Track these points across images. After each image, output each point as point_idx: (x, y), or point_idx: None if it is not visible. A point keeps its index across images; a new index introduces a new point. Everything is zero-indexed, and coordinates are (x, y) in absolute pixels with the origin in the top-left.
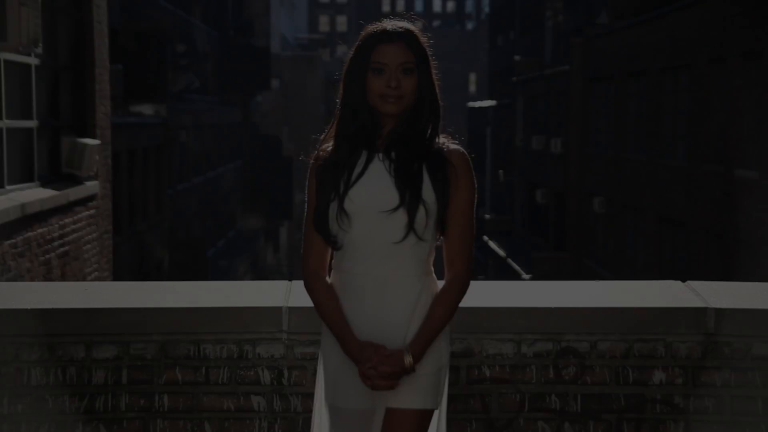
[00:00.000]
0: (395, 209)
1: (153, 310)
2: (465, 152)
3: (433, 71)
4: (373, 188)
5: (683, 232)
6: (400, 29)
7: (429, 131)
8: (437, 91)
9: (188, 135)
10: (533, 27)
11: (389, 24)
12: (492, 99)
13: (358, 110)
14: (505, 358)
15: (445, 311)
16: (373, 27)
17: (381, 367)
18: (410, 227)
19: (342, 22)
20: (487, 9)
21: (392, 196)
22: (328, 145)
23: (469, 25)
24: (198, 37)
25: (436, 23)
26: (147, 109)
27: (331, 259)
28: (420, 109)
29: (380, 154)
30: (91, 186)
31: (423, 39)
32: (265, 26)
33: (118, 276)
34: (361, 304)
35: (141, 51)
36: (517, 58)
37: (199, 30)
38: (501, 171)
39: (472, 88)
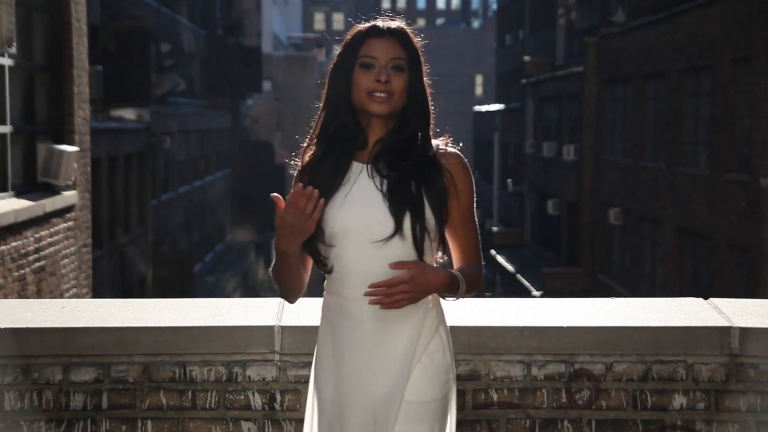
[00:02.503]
0: (390, 238)
1: (135, 329)
2: (460, 154)
3: (425, 75)
4: (365, 211)
5: (705, 245)
6: (392, 25)
7: (420, 138)
8: (428, 95)
9: (173, 141)
10: (544, 25)
11: (380, 20)
12: (500, 102)
13: (339, 108)
14: (514, 381)
15: (474, 272)
16: (362, 25)
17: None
18: (419, 254)
19: (339, 20)
20: (494, 6)
21: (386, 223)
22: (312, 152)
23: (476, 24)
24: (184, 36)
25: (439, 21)
26: (129, 114)
27: (324, 280)
28: (409, 114)
29: (368, 168)
30: (69, 196)
31: (415, 39)
32: (255, 24)
33: (97, 293)
34: (360, 332)
35: (123, 51)
36: (526, 58)
37: (185, 28)
38: (509, 180)
39: (479, 90)
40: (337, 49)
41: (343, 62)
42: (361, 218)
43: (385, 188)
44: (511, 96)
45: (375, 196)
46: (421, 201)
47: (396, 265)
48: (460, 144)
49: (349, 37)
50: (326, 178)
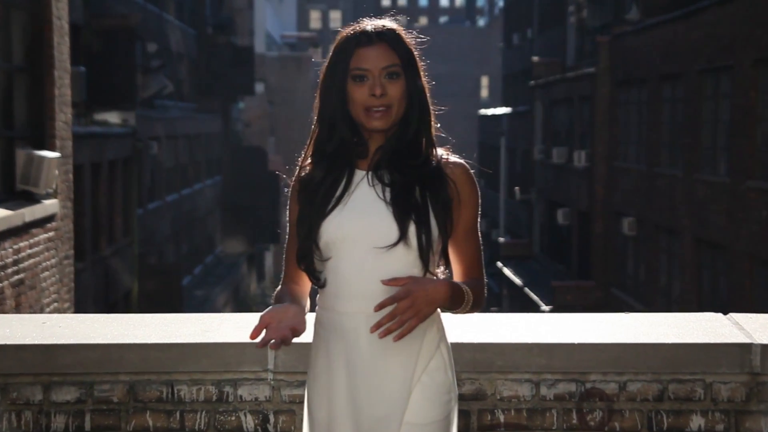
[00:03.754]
0: (394, 245)
1: (120, 346)
2: (467, 165)
3: (423, 74)
4: (365, 218)
5: (725, 257)
6: (381, 29)
7: (423, 143)
8: (428, 96)
9: (160, 147)
10: (554, 24)
11: (368, 24)
12: (506, 105)
13: (336, 124)
14: (521, 401)
15: (477, 288)
16: (349, 29)
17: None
18: (424, 264)
19: (336, 18)
20: (501, 3)
21: (389, 229)
22: (309, 170)
23: (481, 22)
24: (172, 35)
25: (443, 19)
26: (113, 117)
27: (317, 294)
28: (410, 118)
29: (369, 176)
30: (50, 205)
31: (408, 38)
32: (248, 23)
33: (80, 307)
34: (356, 349)
35: (107, 51)
36: (535, 59)
37: (173, 27)
38: (517, 188)
39: (484, 93)
40: (324, 60)
41: (333, 75)
42: (360, 225)
43: (387, 195)
44: (519, 99)
45: (376, 203)
46: (426, 209)
47: (388, 282)
48: (463, 154)
49: (337, 46)
50: (326, 197)
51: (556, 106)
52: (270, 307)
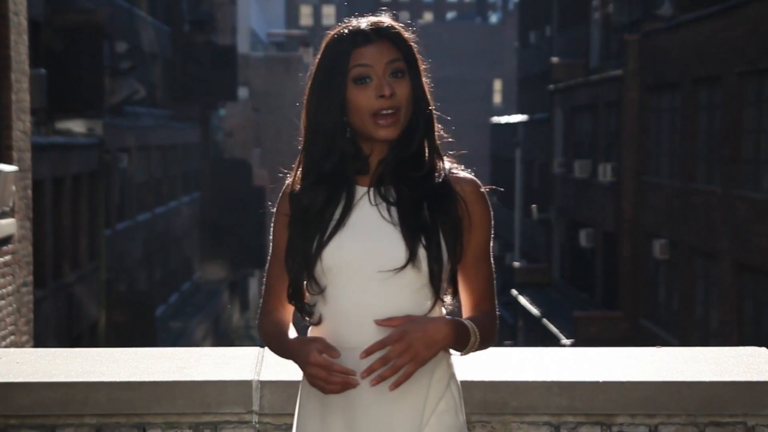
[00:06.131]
0: (402, 267)
1: (86, 384)
2: (478, 181)
3: (424, 75)
4: (368, 241)
5: None
6: (378, 25)
7: (427, 153)
8: (429, 98)
9: (131, 159)
10: (576, 20)
11: (361, 22)
12: (522, 113)
13: (336, 137)
14: None
15: (488, 322)
16: (339, 29)
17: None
18: (435, 291)
19: (329, 14)
20: None
21: (396, 251)
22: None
23: (493, 18)
24: (144, 33)
25: (450, 15)
26: (78, 126)
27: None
28: (414, 125)
29: (371, 193)
30: (6, 225)
31: (408, 35)
32: (229, 19)
33: (40, 341)
34: (356, 389)
35: (70, 51)
36: (554, 60)
37: (146, 24)
38: (534, 206)
39: (497, 98)
40: (311, 65)
41: (329, 81)
42: (363, 249)
43: (393, 215)
44: (536, 105)
45: (380, 223)
46: (436, 228)
47: (380, 323)
48: (472, 168)
49: (329, 48)
50: (323, 223)
51: (579, 113)
52: (295, 347)
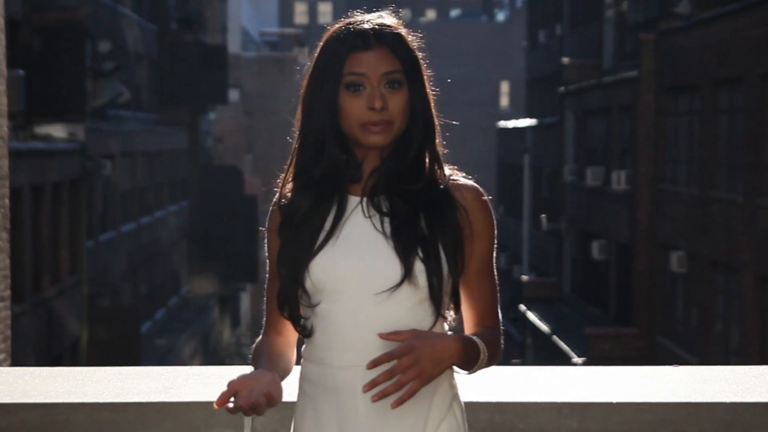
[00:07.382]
0: (398, 286)
1: (67, 406)
2: (480, 189)
3: (428, 83)
4: (361, 255)
5: None
6: (380, 29)
7: (427, 162)
8: (433, 109)
9: (115, 166)
10: (588, 18)
11: (364, 21)
12: (531, 117)
13: (325, 142)
14: None
15: (492, 339)
16: (340, 26)
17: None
18: (435, 307)
19: (325, 12)
20: None
21: (391, 267)
22: (289, 191)
23: (500, 16)
24: (128, 32)
25: (454, 13)
26: (58, 131)
27: (302, 344)
28: (411, 135)
29: (364, 204)
30: None
31: (412, 39)
32: (219, 17)
33: (18, 359)
34: (353, 411)
35: (50, 51)
36: (565, 60)
37: (130, 22)
38: (543, 216)
39: (504, 101)
40: (307, 63)
41: (322, 82)
42: (356, 264)
43: (387, 227)
44: (546, 108)
45: (374, 237)
46: (435, 240)
47: (387, 336)
48: (474, 175)
49: (326, 46)
50: (314, 231)
51: (591, 117)
52: (240, 374)
